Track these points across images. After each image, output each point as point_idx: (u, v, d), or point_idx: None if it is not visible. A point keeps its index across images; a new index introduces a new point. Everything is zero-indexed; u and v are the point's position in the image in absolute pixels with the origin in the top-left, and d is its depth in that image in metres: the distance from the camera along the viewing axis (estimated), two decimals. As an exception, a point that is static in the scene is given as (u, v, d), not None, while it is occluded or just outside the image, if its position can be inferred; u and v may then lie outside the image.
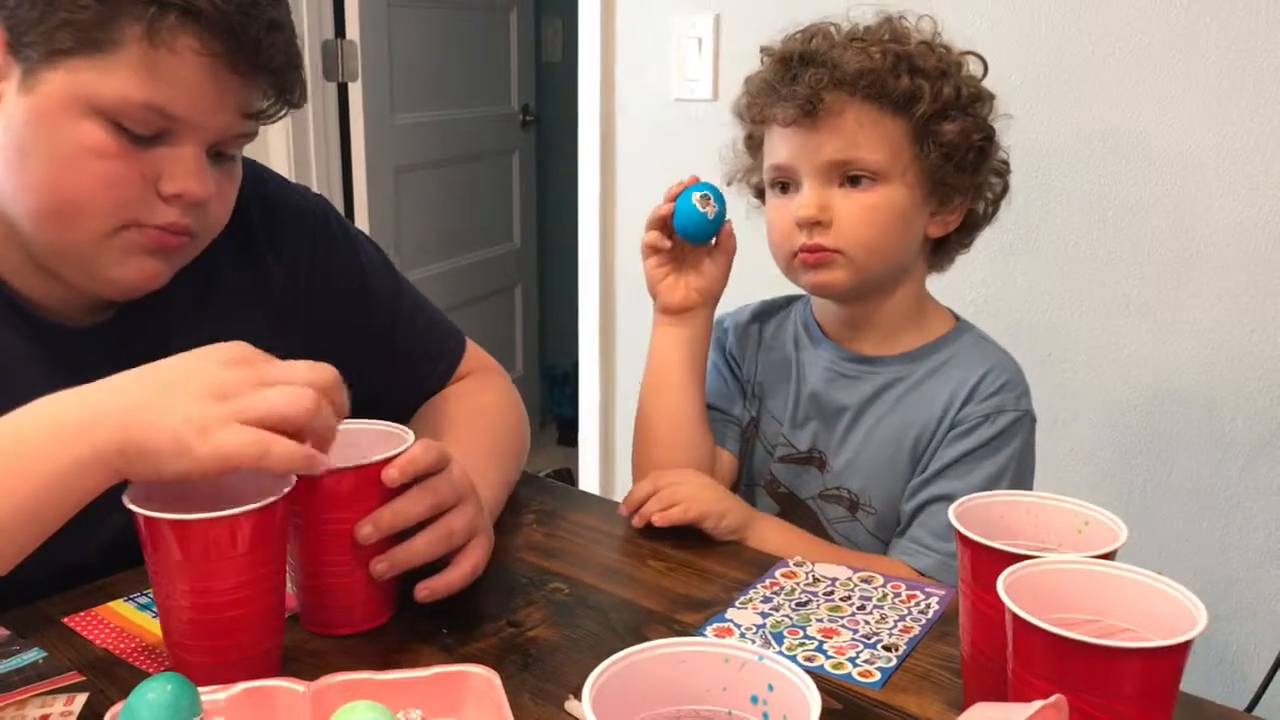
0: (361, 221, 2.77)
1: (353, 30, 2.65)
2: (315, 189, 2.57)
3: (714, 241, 1.10)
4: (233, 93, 0.83)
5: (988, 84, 1.08)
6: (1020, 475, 1.05)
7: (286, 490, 0.71)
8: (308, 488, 0.74)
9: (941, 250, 1.12)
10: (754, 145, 1.12)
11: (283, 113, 0.88)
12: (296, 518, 0.76)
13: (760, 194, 1.14)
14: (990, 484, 1.02)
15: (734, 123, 1.14)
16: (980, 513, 0.72)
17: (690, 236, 1.08)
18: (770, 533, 1.00)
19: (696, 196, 1.05)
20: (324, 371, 0.73)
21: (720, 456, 1.15)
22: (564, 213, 2.75)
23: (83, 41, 0.78)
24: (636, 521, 0.99)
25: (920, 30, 1.06)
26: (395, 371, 1.08)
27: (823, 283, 1.05)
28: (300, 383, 0.70)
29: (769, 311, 1.20)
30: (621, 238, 2.13)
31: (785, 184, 1.07)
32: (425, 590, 0.80)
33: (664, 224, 1.08)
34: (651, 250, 1.10)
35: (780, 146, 1.05)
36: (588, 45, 2.07)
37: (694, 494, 0.98)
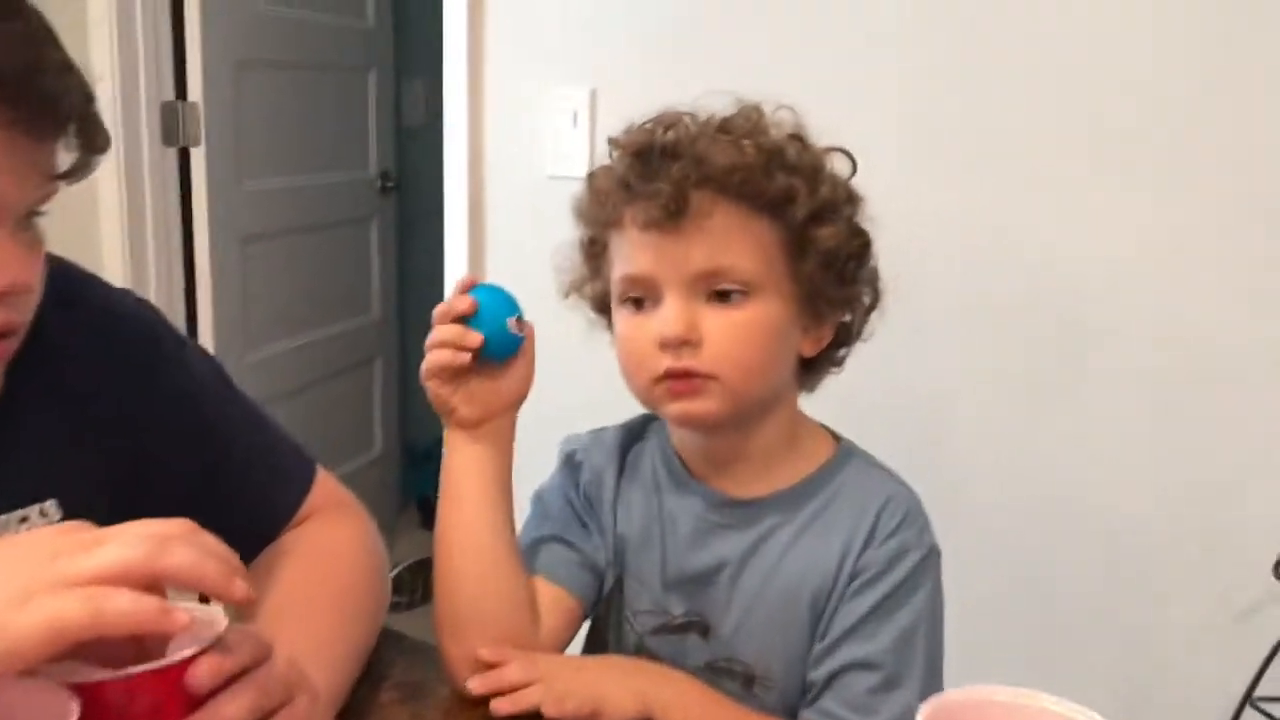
0: (205, 296, 2.56)
1: (195, 92, 2.46)
2: (153, 262, 2.42)
3: None
4: (37, 158, 0.69)
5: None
6: (934, 621, 0.93)
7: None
8: (92, 702, 0.57)
9: (811, 369, 0.98)
10: (596, 252, 0.96)
11: (92, 165, 0.73)
12: None
13: (601, 307, 0.98)
14: (906, 637, 0.90)
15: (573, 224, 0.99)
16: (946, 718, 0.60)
17: (499, 359, 0.91)
18: (673, 710, 0.86)
19: (512, 322, 0.90)
20: (178, 523, 0.61)
21: (550, 593, 0.97)
22: (426, 283, 2.59)
23: None
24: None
25: (779, 123, 0.92)
26: (227, 508, 0.89)
27: (694, 413, 0.90)
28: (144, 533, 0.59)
29: (627, 443, 1.04)
30: (489, 315, 1.98)
31: (639, 299, 0.91)
32: None
33: (458, 344, 0.89)
34: (440, 372, 0.91)
35: (636, 254, 0.90)
36: (453, 112, 1.93)
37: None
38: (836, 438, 1.01)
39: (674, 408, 0.91)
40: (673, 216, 0.86)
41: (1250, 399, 1.39)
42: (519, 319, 0.90)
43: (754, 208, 0.88)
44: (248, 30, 2.63)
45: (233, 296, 2.65)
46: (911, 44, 1.51)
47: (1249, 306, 1.37)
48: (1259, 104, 1.33)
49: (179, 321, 2.51)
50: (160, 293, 2.45)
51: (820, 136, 0.94)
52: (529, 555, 0.98)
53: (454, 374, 0.90)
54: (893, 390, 1.51)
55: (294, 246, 2.92)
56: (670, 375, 0.89)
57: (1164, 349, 1.42)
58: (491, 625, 0.90)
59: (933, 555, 0.94)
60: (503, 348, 0.90)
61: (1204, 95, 1.36)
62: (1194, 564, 1.44)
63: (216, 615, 0.64)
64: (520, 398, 0.94)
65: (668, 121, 0.91)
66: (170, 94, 2.43)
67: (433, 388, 0.91)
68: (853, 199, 0.93)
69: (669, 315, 0.88)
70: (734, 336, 0.88)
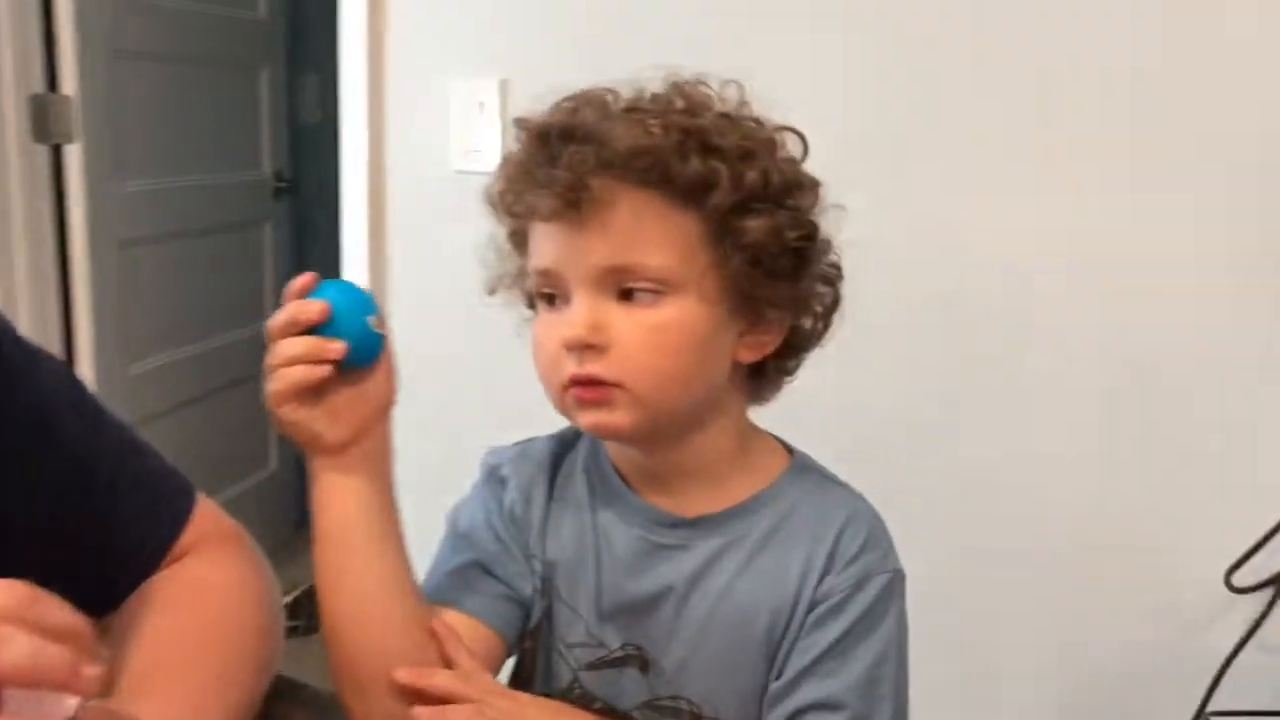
0: (82, 305, 2.38)
1: (69, 84, 2.28)
2: (24, 269, 2.23)
3: None
4: None
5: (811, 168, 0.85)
6: (901, 651, 0.84)
7: None
8: None
9: (760, 377, 0.87)
10: (519, 242, 0.86)
11: None
12: None
13: (534, 302, 0.88)
14: (873, 672, 0.81)
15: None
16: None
17: (362, 366, 0.78)
18: None
19: (373, 320, 0.77)
20: (9, 591, 0.50)
21: (469, 630, 0.85)
22: (324, 291, 2.46)
23: None
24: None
25: (724, 99, 0.82)
26: (89, 546, 0.78)
27: (605, 425, 0.80)
28: None
29: (558, 456, 0.92)
30: (394, 318, 1.84)
31: (552, 295, 0.81)
32: None
33: (316, 358, 0.75)
34: (294, 394, 0.75)
35: (544, 247, 0.80)
36: (351, 107, 1.80)
37: None
38: (790, 449, 0.91)
39: (584, 417, 0.81)
40: (572, 206, 0.76)
41: (1198, 406, 1.34)
42: (379, 318, 0.78)
43: (667, 196, 0.78)
44: (127, 18, 2.47)
45: (112, 306, 2.48)
46: (850, 30, 1.43)
47: (1196, 311, 1.32)
48: (1205, 105, 1.28)
49: (53, 333, 2.33)
50: (32, 302, 2.27)
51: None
52: (445, 585, 0.87)
53: (311, 393, 0.76)
54: (827, 394, 1.43)
55: (180, 252, 2.76)
56: (575, 382, 0.79)
57: (1110, 354, 1.36)
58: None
59: (898, 579, 0.85)
60: (369, 352, 0.77)
61: (1151, 95, 1.30)
62: (1144, 576, 1.38)
63: (60, 699, 0.51)
64: (390, 403, 0.81)
65: (582, 100, 0.81)
66: (40, 85, 2.25)
67: (286, 414, 0.76)
68: (799, 184, 0.83)
69: (572, 317, 0.78)
70: (644, 341, 0.78)
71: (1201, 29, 1.27)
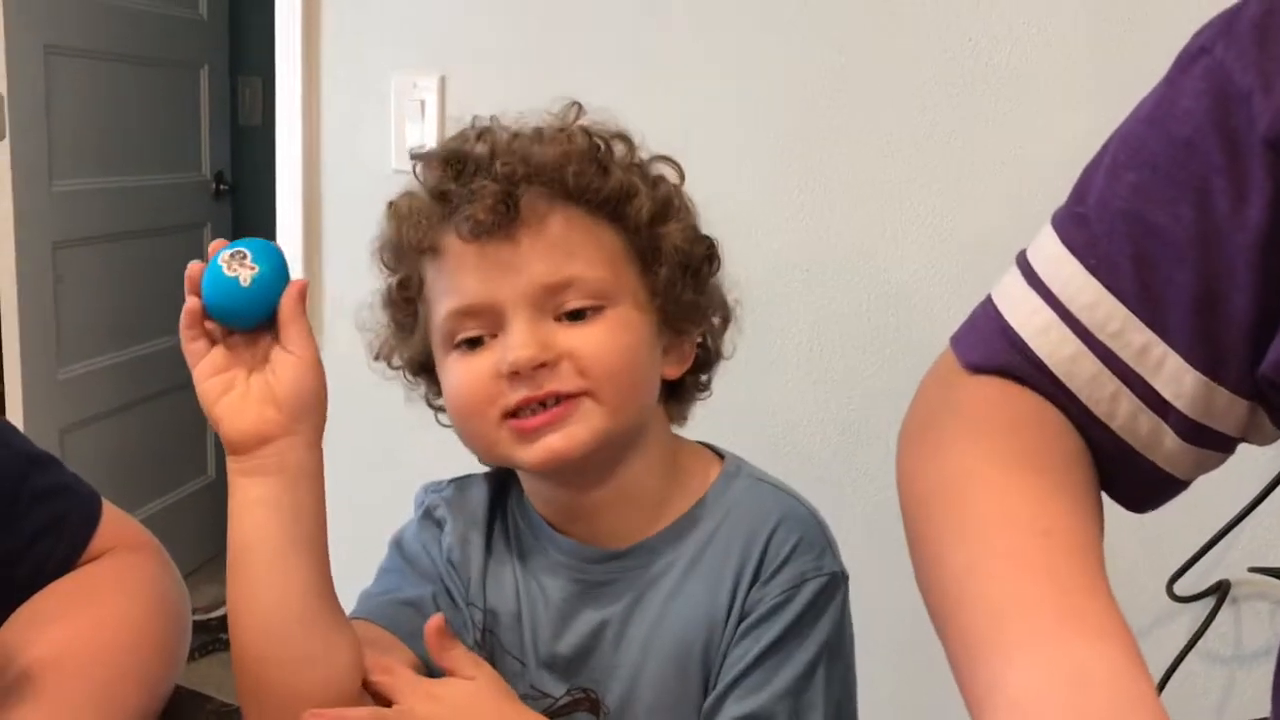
0: (10, 307, 2.31)
1: (-1, 80, 2.22)
2: (-52, 270, 2.16)
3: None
4: None
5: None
6: (837, 654, 0.79)
7: None
8: None
9: (676, 396, 0.84)
10: (410, 295, 0.80)
11: None
12: None
13: (421, 368, 0.82)
14: (800, 683, 0.76)
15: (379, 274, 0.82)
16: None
17: (228, 318, 0.70)
18: None
19: (225, 257, 0.69)
20: None
21: (413, 668, 0.79)
22: (265, 295, 2.41)
23: None
24: None
25: (602, 124, 0.80)
26: None
27: (555, 449, 0.74)
28: None
29: (495, 496, 0.86)
30: (329, 322, 1.80)
31: (475, 338, 0.75)
32: None
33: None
34: (192, 340, 0.71)
35: (465, 278, 0.75)
36: (286, 107, 1.75)
37: None
38: (721, 455, 0.86)
39: (531, 451, 0.74)
40: (503, 220, 0.72)
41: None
42: (237, 254, 0.69)
43: (591, 209, 0.76)
44: (61, 14, 2.41)
45: (43, 308, 2.41)
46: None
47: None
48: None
49: (-22, 335, 2.26)
50: (-43, 304, 2.21)
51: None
52: (398, 614, 0.81)
53: (217, 360, 0.70)
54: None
55: (115, 254, 2.69)
56: (525, 408, 0.73)
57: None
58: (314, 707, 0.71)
59: (835, 582, 0.79)
60: (218, 294, 0.68)
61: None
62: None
63: None
64: (309, 408, 0.71)
65: (480, 128, 0.78)
66: (-33, 81, 2.19)
67: (196, 377, 0.70)
68: (689, 205, 0.82)
69: (515, 340, 0.73)
70: (600, 342, 0.74)
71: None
